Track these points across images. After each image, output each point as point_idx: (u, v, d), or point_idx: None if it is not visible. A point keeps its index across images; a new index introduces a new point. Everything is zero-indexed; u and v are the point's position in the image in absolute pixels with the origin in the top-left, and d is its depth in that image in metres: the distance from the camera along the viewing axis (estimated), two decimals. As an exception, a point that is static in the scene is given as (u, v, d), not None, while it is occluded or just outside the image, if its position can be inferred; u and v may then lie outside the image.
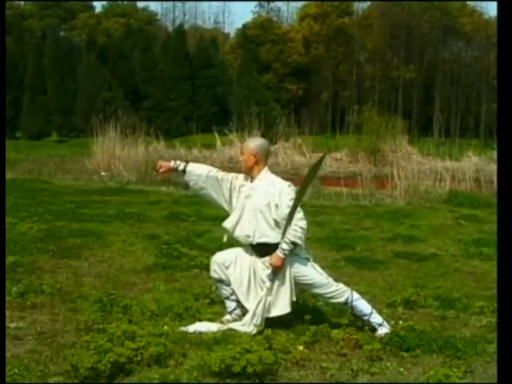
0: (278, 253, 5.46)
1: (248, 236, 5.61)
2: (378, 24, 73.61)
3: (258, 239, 5.58)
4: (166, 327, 5.38)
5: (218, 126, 35.46)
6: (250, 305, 5.59)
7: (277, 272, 5.51)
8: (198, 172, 5.84)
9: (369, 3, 79.55)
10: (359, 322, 5.72)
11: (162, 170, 5.91)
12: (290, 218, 5.45)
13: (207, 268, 7.96)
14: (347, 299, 5.60)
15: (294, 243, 5.45)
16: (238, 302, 5.80)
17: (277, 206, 5.52)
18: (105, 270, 7.90)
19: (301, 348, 5.09)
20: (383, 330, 5.53)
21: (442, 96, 71.58)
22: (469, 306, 6.59)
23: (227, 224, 5.76)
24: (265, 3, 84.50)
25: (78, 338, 5.18)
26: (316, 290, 5.66)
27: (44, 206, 13.00)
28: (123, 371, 4.52)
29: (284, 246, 5.45)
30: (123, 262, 8.37)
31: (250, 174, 5.72)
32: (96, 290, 6.74)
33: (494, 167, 19.22)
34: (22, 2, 78.97)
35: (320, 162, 6.03)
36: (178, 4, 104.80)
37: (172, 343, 4.97)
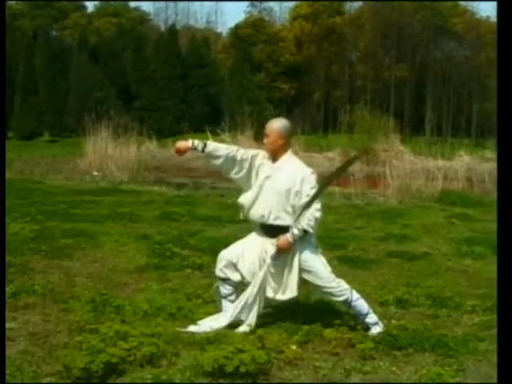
0: (288, 236, 5.44)
1: (263, 216, 5.55)
2: (369, 24, 73.75)
3: (272, 221, 5.54)
4: (158, 327, 5.38)
5: (211, 125, 35.38)
6: (268, 292, 5.62)
7: (281, 254, 5.49)
8: (217, 154, 5.70)
9: (360, 3, 79.64)
10: (352, 322, 5.73)
11: (180, 151, 5.80)
12: (307, 206, 5.44)
13: (200, 268, 8.02)
14: (346, 299, 5.59)
15: (305, 231, 5.45)
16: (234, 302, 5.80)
17: (297, 192, 5.49)
18: (97, 270, 7.89)
19: (294, 347, 5.10)
20: (376, 330, 5.54)
21: (434, 95, 71.76)
22: (461, 305, 6.61)
23: (244, 200, 5.69)
24: (257, 3, 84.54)
25: (71, 338, 5.17)
26: (318, 281, 5.59)
27: (36, 206, 12.96)
28: (116, 371, 4.51)
29: (295, 231, 5.44)
30: (115, 262, 8.35)
31: (274, 155, 5.65)
32: (88, 291, 6.73)
33: (485, 166, 19.31)
34: (14, 2, 78.74)
35: (353, 160, 5.95)
36: (171, 4, 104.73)
37: (165, 343, 4.97)
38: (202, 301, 6.46)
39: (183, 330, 5.51)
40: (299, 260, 5.55)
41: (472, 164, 24.40)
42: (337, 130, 59.41)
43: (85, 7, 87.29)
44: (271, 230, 5.56)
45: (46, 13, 78.60)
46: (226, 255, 5.76)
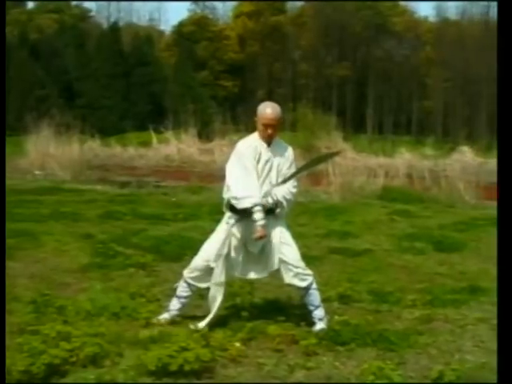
0: (258, 224, 5.35)
1: (269, 200, 5.52)
2: (311, 22, 74.35)
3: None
4: (101, 327, 5.34)
5: (154, 123, 35.21)
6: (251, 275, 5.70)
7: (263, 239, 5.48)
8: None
9: (302, 2, 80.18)
10: (295, 318, 5.77)
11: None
12: (283, 182, 5.56)
13: (143, 267, 7.98)
14: (308, 285, 5.61)
15: (277, 202, 5.52)
16: (184, 305, 5.79)
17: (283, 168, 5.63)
18: (39, 270, 7.78)
19: (237, 345, 5.11)
20: (320, 325, 5.58)
21: (375, 93, 72.72)
22: (401, 300, 6.72)
23: (246, 189, 5.45)
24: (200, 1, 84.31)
25: (11, 340, 5.09)
26: (289, 257, 5.56)
27: (-25, 206, 12.70)
28: (58, 373, 4.46)
29: (269, 199, 5.48)
30: (58, 261, 8.25)
31: (270, 141, 5.65)
32: (30, 291, 6.63)
33: (425, 163, 19.63)
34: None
35: (331, 155, 5.93)
36: (113, 1, 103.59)
37: (108, 343, 4.93)
38: (146, 300, 6.42)
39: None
40: (279, 233, 5.59)
41: (412, 161, 24.73)
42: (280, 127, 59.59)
43: (24, 3, 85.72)
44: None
45: (-16, 9, 76.98)
46: (201, 264, 5.64)
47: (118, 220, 11.75)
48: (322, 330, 5.49)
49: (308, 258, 8.71)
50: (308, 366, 4.80)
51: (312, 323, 5.62)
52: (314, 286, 5.67)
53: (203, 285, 5.71)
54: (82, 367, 4.57)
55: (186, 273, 5.74)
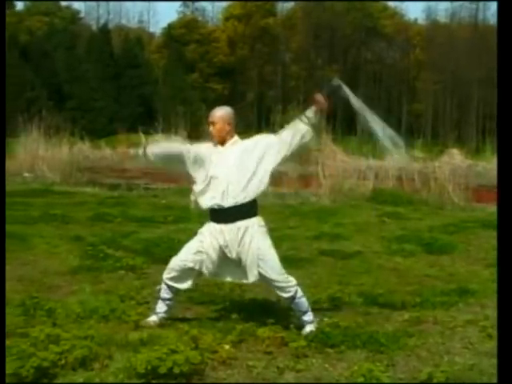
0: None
1: (221, 200, 5.49)
2: (301, 24, 74.46)
3: (231, 203, 5.48)
4: (91, 330, 5.32)
5: (144, 126, 35.09)
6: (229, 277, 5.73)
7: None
8: (159, 155, 5.87)
9: (292, 3, 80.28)
10: (285, 321, 5.77)
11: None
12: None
13: (133, 269, 7.97)
14: (291, 296, 5.58)
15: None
16: (170, 307, 5.78)
17: (260, 158, 5.55)
18: (28, 272, 7.75)
19: (227, 347, 5.10)
20: (310, 328, 5.59)
21: (365, 96, 72.77)
22: (391, 302, 6.73)
23: (198, 190, 5.62)
24: (189, 3, 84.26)
25: (0, 343, 5.08)
26: (268, 272, 5.53)
27: (-36, 208, 12.65)
28: (47, 376, 4.44)
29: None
30: (47, 264, 8.23)
31: (221, 143, 5.62)
32: (19, 294, 6.60)
33: (415, 165, 19.67)
34: None
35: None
36: (102, 3, 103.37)
37: (97, 345, 4.91)
38: (136, 302, 6.40)
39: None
40: (256, 247, 5.50)
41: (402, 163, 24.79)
42: (270, 129, 59.72)
43: (14, 5, 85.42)
44: (232, 213, 5.50)
45: (-26, 10, 76.72)
46: (178, 264, 5.67)
47: (107, 222, 11.73)
48: (311, 333, 5.49)
49: (298, 261, 8.79)
50: (298, 368, 4.80)
51: (301, 327, 5.63)
52: (299, 294, 5.63)
53: (182, 286, 5.71)
54: (71, 370, 4.55)
55: (165, 274, 5.75)
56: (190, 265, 5.60)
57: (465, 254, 9.74)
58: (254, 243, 5.50)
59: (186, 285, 5.71)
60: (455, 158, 26.92)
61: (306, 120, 5.61)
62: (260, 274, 5.57)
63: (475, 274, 8.10)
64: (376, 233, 11.39)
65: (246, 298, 6.53)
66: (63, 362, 4.57)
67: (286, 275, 5.61)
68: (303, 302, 5.67)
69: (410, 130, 68.07)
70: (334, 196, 16.98)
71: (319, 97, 5.63)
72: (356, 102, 5.75)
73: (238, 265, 5.60)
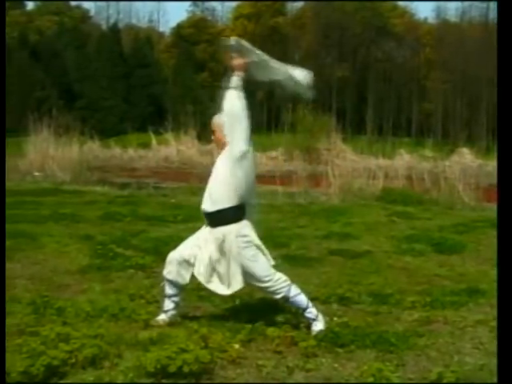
0: None
1: (205, 205, 5.57)
2: (311, 24, 74.35)
3: (211, 208, 5.54)
4: (101, 328, 5.33)
5: (154, 125, 35.24)
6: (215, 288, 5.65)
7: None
8: None
9: (302, 3, 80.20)
10: (295, 320, 5.77)
11: None
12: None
13: (143, 268, 7.98)
14: (284, 297, 5.54)
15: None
16: (177, 304, 5.78)
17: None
18: (38, 271, 7.78)
19: (237, 346, 5.11)
20: (318, 327, 5.54)
21: (375, 95, 72.71)
22: (401, 301, 6.71)
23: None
24: (199, 2, 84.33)
25: (10, 341, 5.08)
26: (256, 282, 5.53)
27: (-26, 207, 12.70)
28: (57, 374, 4.46)
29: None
30: (57, 263, 8.25)
31: (222, 149, 5.65)
32: (29, 292, 6.63)
33: (425, 165, 19.63)
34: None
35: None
36: (112, 2, 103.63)
37: (107, 344, 4.92)
38: (145, 301, 6.42)
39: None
40: (237, 255, 5.46)
41: (412, 162, 24.81)
42: (280, 128, 59.76)
43: (24, 5, 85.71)
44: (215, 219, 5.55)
45: (-16, 10, 76.99)
46: (175, 257, 5.70)
47: (117, 221, 11.75)
48: (320, 332, 5.47)
49: (307, 260, 8.80)
50: (307, 368, 4.79)
51: (310, 325, 5.61)
52: (293, 292, 5.55)
53: (182, 280, 5.68)
54: (81, 368, 4.56)
55: (164, 270, 5.77)
56: (186, 257, 5.62)
57: (475, 253, 9.70)
58: (234, 251, 5.48)
59: (185, 279, 5.69)
60: (465, 157, 26.91)
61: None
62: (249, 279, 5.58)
63: (485, 274, 8.06)
64: (386, 232, 11.36)
65: (256, 297, 6.53)
66: (73, 360, 4.58)
67: (272, 277, 5.52)
68: (300, 299, 5.61)
69: (420, 130, 67.98)
70: (344, 195, 16.94)
71: (237, 61, 5.74)
72: (258, 52, 5.93)
73: (225, 269, 5.56)
